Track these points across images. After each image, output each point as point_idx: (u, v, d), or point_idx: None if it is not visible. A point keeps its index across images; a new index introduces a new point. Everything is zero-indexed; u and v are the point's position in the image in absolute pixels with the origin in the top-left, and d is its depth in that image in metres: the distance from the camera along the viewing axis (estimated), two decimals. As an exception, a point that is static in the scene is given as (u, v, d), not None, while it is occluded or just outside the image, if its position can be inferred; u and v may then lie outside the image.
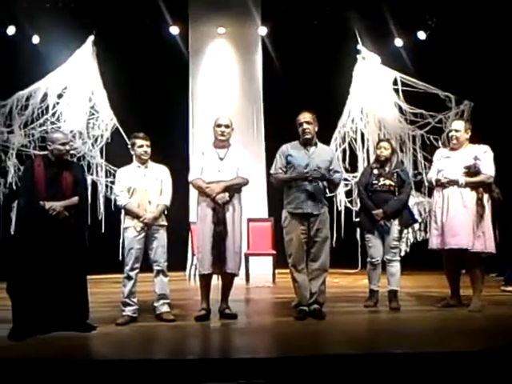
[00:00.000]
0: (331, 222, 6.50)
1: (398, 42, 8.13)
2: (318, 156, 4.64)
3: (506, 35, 7.35)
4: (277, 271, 7.06)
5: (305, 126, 4.61)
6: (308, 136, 4.63)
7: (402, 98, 7.64)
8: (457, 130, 4.94)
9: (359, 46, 7.95)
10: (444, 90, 7.51)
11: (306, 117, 4.64)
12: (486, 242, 4.76)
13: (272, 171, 4.77)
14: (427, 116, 7.57)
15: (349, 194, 7.75)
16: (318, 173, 4.52)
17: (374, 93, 7.78)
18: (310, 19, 8.34)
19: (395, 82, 7.65)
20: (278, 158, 4.72)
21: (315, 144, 4.70)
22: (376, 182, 5.03)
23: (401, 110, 7.71)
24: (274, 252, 7.12)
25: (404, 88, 7.59)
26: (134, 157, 4.71)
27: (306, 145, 4.66)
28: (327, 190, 4.76)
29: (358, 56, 7.95)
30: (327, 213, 4.68)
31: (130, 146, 4.77)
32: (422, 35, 8.12)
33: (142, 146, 4.62)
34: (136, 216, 4.51)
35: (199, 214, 4.64)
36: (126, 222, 4.59)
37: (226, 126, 4.67)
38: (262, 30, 8.41)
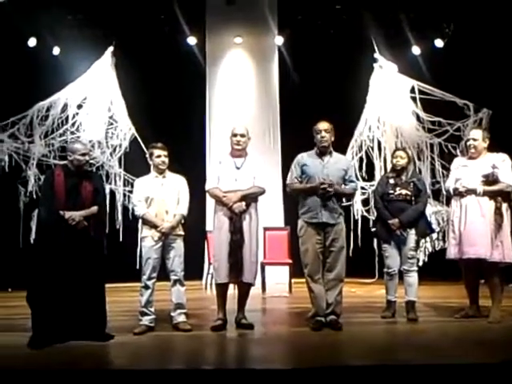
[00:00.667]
0: (348, 231, 6.46)
1: (416, 50, 8.10)
2: (333, 165, 4.64)
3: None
4: (293, 281, 7.04)
5: (323, 133, 4.61)
6: (325, 144, 4.63)
7: (419, 106, 7.60)
8: (475, 139, 4.91)
9: (376, 55, 7.95)
10: (462, 97, 7.46)
11: (324, 125, 4.64)
12: (504, 251, 4.70)
13: (288, 181, 4.78)
14: (445, 124, 7.52)
15: (366, 202, 7.71)
16: (332, 187, 4.49)
17: (391, 101, 7.75)
18: (326, 28, 8.36)
19: (412, 90, 7.62)
20: (293, 167, 4.73)
21: (330, 153, 4.69)
22: (392, 191, 5.01)
23: (418, 118, 7.67)
24: (291, 261, 7.11)
25: (421, 96, 7.55)
26: (151, 167, 4.77)
27: (322, 154, 4.66)
28: (343, 199, 4.76)
29: (374, 64, 7.95)
30: (343, 222, 4.66)
31: (147, 156, 4.82)
32: (439, 43, 8.08)
33: (159, 156, 4.66)
34: (153, 226, 4.54)
35: (216, 223, 4.67)
36: (144, 232, 4.64)
37: (242, 136, 4.70)
38: (279, 40, 8.44)
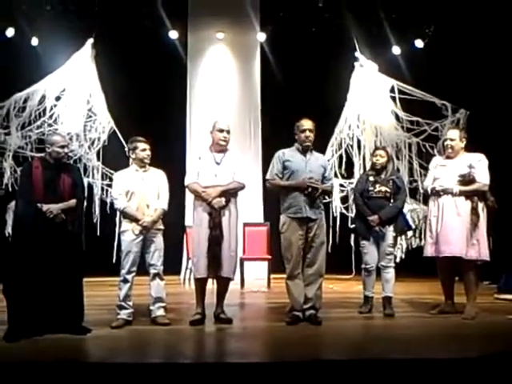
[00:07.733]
0: (327, 227, 6.48)
1: (396, 50, 8.19)
2: (314, 162, 4.70)
3: (502, 44, 7.42)
4: (272, 276, 7.07)
5: (308, 133, 4.67)
6: (309, 143, 4.69)
7: (398, 105, 7.69)
8: (452, 139, 4.98)
9: (357, 54, 8.01)
10: (440, 98, 7.57)
11: (309, 124, 4.70)
12: (480, 249, 4.78)
13: (268, 177, 4.79)
14: (423, 124, 7.62)
15: (344, 200, 7.78)
16: (316, 184, 4.55)
17: (371, 100, 7.82)
18: (308, 26, 8.39)
19: (392, 90, 7.70)
20: (274, 163, 4.74)
21: (311, 151, 4.76)
22: (372, 188, 5.07)
23: (397, 117, 7.76)
24: (270, 257, 7.14)
25: (401, 96, 7.64)
26: (132, 160, 4.72)
27: (304, 151, 4.70)
28: (324, 196, 4.82)
29: (355, 63, 8.01)
30: (324, 218, 4.72)
31: (130, 150, 4.72)
32: (419, 43, 8.18)
33: (144, 150, 4.64)
34: (135, 219, 4.51)
35: (195, 219, 4.65)
36: (124, 226, 4.59)
37: (228, 132, 4.70)
38: (261, 36, 8.45)
